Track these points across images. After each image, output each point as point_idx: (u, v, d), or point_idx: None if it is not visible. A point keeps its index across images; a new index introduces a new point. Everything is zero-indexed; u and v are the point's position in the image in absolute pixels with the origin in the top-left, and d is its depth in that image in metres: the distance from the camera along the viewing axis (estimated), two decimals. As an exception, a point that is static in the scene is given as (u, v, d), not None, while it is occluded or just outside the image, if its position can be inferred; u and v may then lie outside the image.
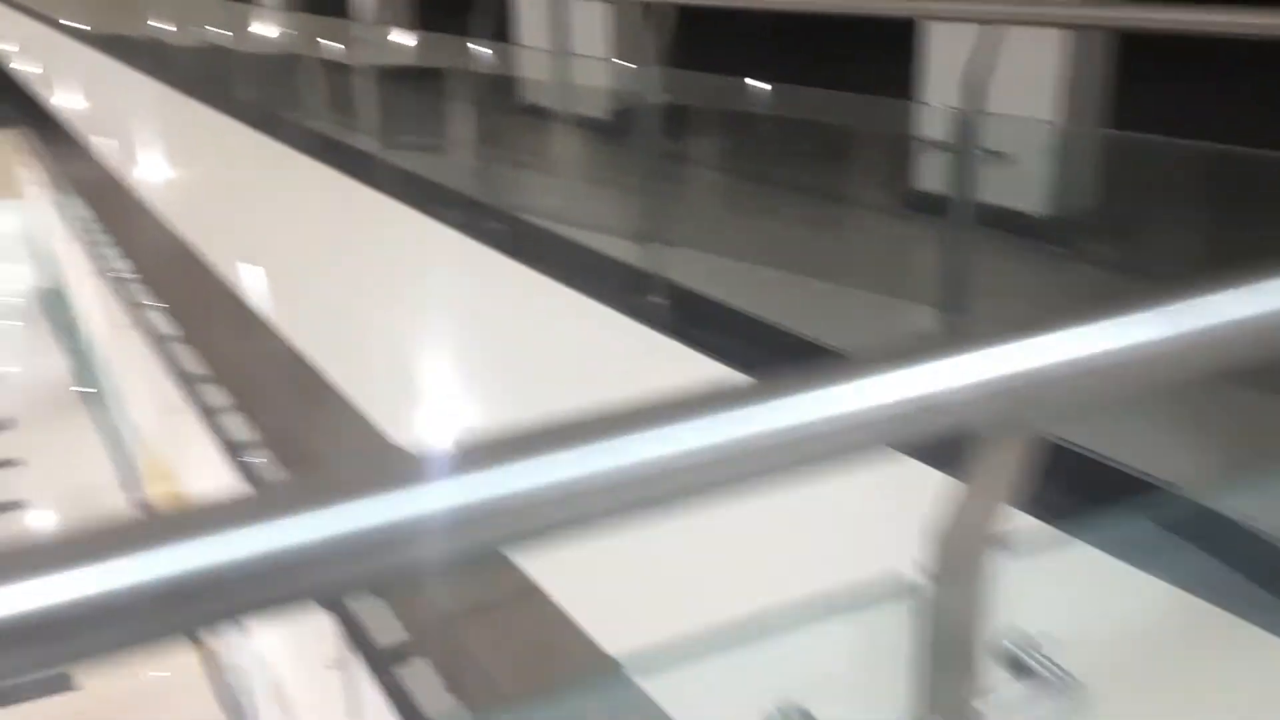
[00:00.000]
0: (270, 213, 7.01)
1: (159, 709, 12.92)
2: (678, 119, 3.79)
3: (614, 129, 4.77)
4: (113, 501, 17.81)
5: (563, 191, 4.47)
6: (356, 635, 6.77)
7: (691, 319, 3.40)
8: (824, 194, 4.14)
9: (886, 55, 4.21)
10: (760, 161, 4.31)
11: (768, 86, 3.83)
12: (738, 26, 3.95)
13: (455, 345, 4.70)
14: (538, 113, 5.42)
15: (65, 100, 16.16)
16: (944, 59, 3.60)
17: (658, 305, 3.49)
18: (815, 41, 4.13)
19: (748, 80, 3.79)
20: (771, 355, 3.10)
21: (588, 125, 5.06)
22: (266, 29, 7.83)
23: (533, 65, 5.57)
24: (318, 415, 8.64)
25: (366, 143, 5.78)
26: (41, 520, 17.56)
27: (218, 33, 9.04)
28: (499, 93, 5.09)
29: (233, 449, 10.27)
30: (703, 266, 3.74)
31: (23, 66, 20.65)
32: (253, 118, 6.81)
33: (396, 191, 4.83)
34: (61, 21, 15.41)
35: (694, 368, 2.93)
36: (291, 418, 9.15)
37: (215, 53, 8.85)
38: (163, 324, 13.07)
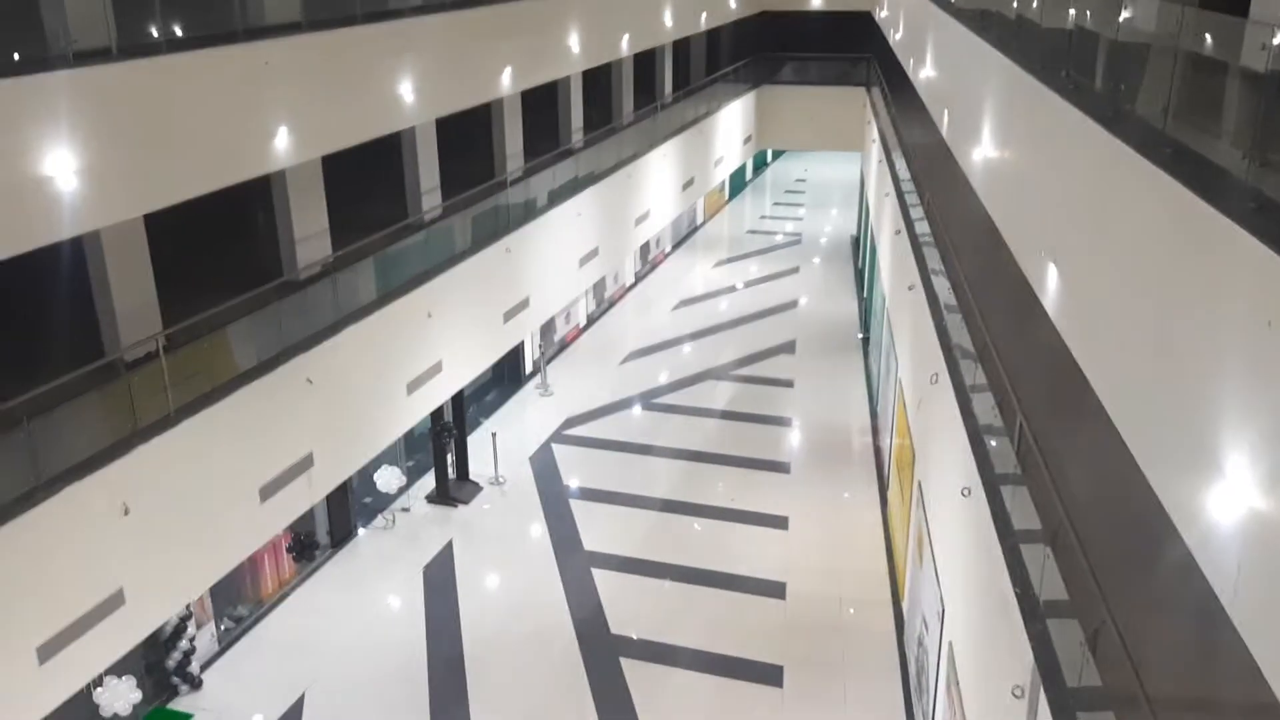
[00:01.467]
0: (1083, 216, 6.74)
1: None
2: None
3: None
4: (856, 442, 19.52)
5: None
6: (1047, 668, 6.48)
7: None
8: None
9: None
10: None
11: None
12: None
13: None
14: None
15: (918, 69, 17.48)
16: None
17: None
18: None
19: None
20: None
21: None
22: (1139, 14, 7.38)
23: None
24: (1070, 424, 8.30)
25: (1226, 160, 5.14)
26: (795, 438, 19.93)
27: (1070, 15, 8.81)
28: None
29: (973, 429, 10.44)
30: None
31: (892, 31, 22.78)
32: (1098, 112, 6.52)
33: (1253, 226, 4.20)
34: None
35: None
36: (1047, 418, 8.93)
37: (1074, 35, 8.66)
38: (945, 292, 13.68)
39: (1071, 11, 9.28)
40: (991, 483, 8.67)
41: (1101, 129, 6.22)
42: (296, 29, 11.70)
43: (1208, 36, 5.95)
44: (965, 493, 9.27)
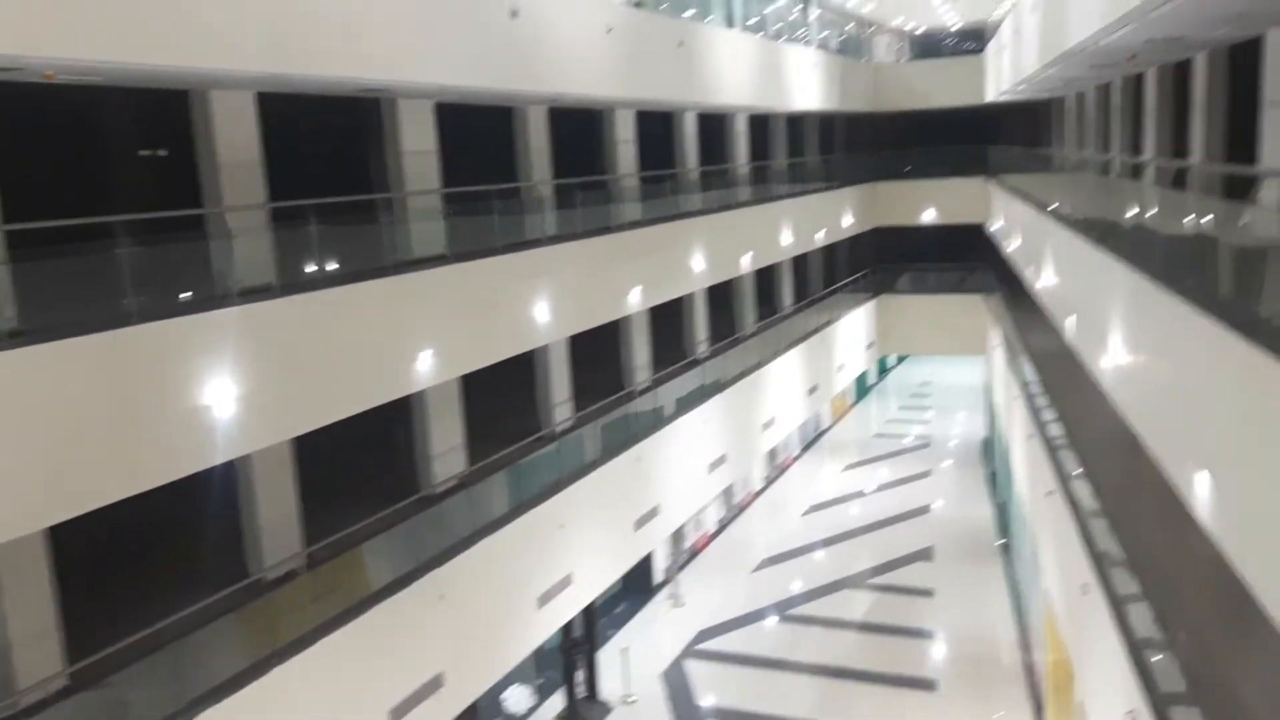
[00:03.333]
0: (1232, 424, 6.53)
1: None
2: None
3: None
4: (1005, 657, 18.41)
5: None
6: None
7: None
8: None
9: None
10: None
11: None
12: None
13: None
14: None
15: (1036, 276, 17.53)
16: None
17: None
18: None
19: None
20: None
21: None
22: (1262, 221, 7.38)
23: None
24: (1238, 641, 7.71)
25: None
26: (939, 652, 18.92)
27: (1204, 222, 8.83)
28: None
29: (1134, 644, 9.78)
30: None
31: (1008, 244, 23.06)
32: (1233, 320, 6.42)
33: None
34: (1047, 204, 16.80)
35: None
36: (1207, 631, 8.33)
37: (1200, 242, 8.66)
38: (1087, 498, 13.16)
39: (1191, 217, 9.33)
40: (1159, 705, 8.04)
41: (1236, 336, 6.13)
42: (442, 260, 12.61)
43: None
44: (1129, 717, 8.60)
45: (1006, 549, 22.82)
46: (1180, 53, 13.45)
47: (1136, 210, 11.14)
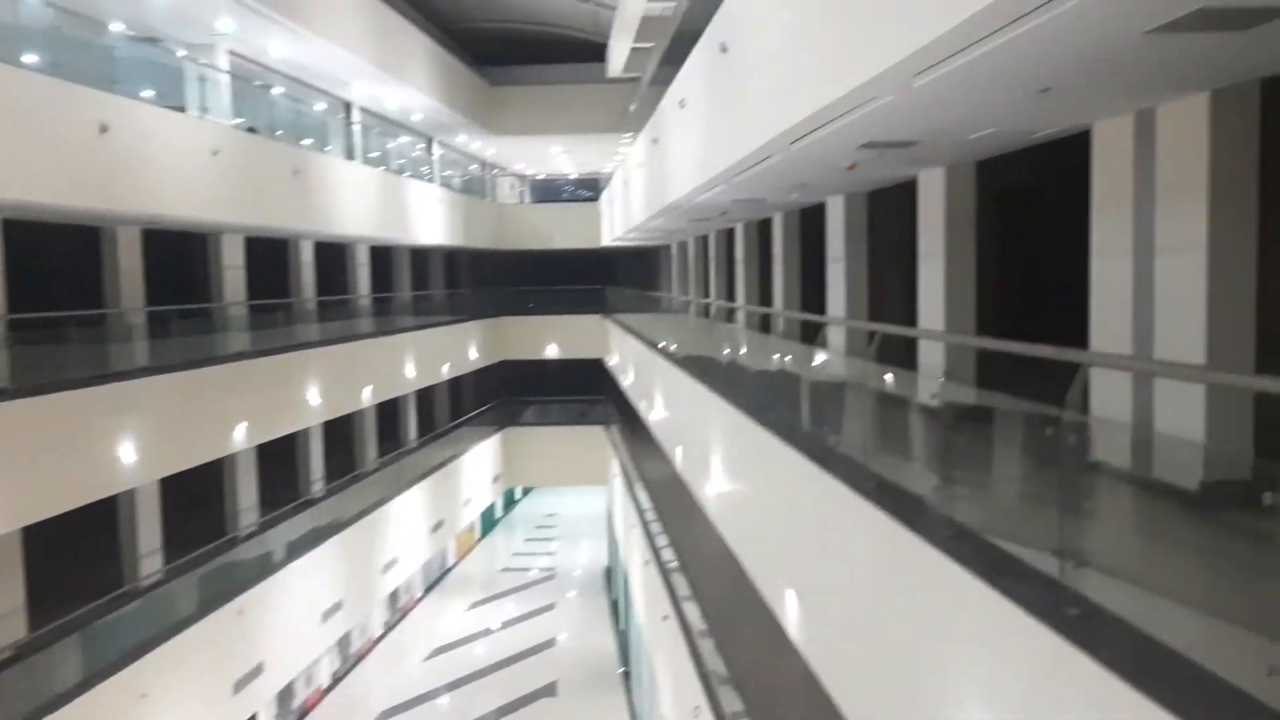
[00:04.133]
0: (812, 543, 7.12)
1: None
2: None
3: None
4: (625, 785, 18.48)
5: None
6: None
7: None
8: None
9: None
10: None
11: None
12: None
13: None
14: (1110, 473, 4.90)
15: (650, 409, 18.61)
16: None
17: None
18: None
19: None
20: None
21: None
22: (830, 361, 8.33)
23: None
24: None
25: (919, 487, 5.64)
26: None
27: (786, 360, 9.81)
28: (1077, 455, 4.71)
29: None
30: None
31: (625, 379, 24.37)
32: (807, 448, 7.08)
33: (947, 548, 4.56)
34: (656, 342, 18.05)
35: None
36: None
37: (783, 379, 9.57)
38: (697, 620, 13.79)
39: (775, 356, 10.34)
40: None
41: (814, 465, 6.73)
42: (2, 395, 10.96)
43: (888, 379, 6.72)
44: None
45: (628, 676, 23.27)
46: (763, 212, 15.18)
47: (729, 349, 12.19)
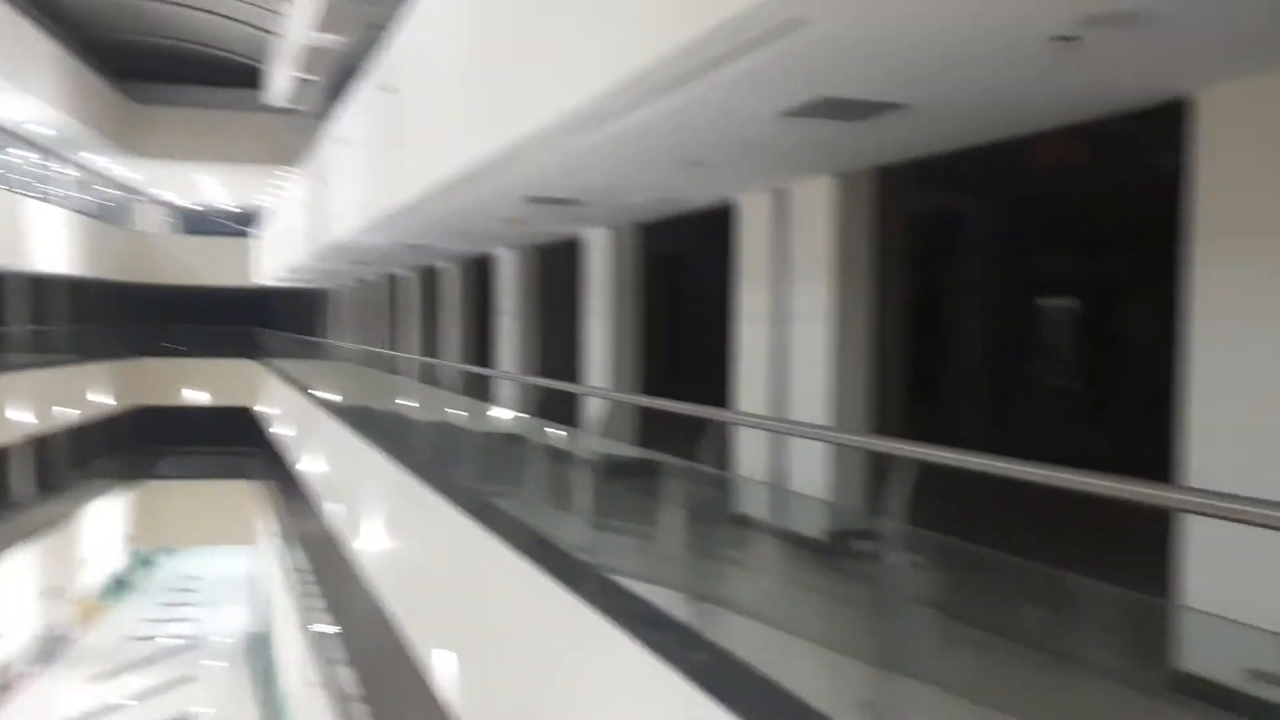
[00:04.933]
0: (466, 601, 6.95)
1: None
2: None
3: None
4: None
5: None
6: None
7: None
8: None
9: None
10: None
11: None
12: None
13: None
14: (746, 523, 5.18)
15: (306, 463, 17.57)
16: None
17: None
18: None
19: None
20: None
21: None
22: (501, 417, 8.26)
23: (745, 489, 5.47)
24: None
25: (571, 543, 5.65)
26: None
27: (454, 414, 9.61)
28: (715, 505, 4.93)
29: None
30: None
31: (279, 429, 22.92)
32: (467, 505, 6.92)
33: (598, 602, 4.57)
34: (313, 390, 17.12)
35: None
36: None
37: (446, 433, 9.36)
38: (350, 686, 13.06)
39: (440, 410, 10.10)
40: None
41: (475, 523, 6.57)
42: None
43: (551, 434, 6.74)
44: None
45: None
46: (432, 259, 14.91)
47: (391, 401, 11.78)
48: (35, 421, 22.41)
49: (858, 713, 3.22)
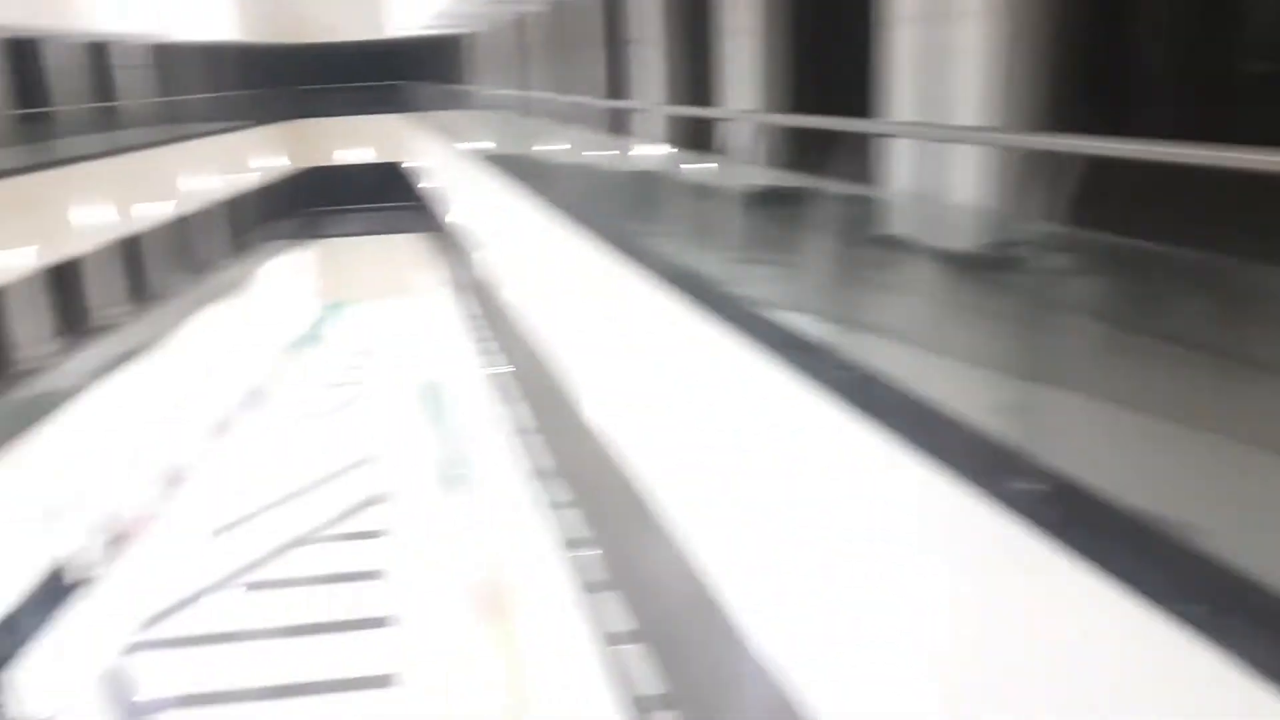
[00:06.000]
0: (612, 335, 7.17)
1: None
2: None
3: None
4: (454, 583, 19.08)
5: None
6: None
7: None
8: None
9: None
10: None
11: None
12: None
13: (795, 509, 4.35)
14: (896, 244, 5.05)
15: (460, 213, 18.03)
16: None
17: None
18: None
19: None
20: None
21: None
22: (645, 154, 8.15)
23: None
24: (635, 535, 8.65)
25: (720, 273, 5.66)
26: (393, 590, 19.16)
27: (599, 154, 9.54)
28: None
29: (568, 543, 10.58)
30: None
31: (431, 182, 23.48)
32: (615, 239, 6.99)
33: (749, 330, 4.62)
34: (461, 139, 17.22)
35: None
36: (614, 528, 9.24)
37: (594, 174, 9.35)
38: (524, 422, 13.93)
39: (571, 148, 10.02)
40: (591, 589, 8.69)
41: (622, 257, 6.66)
42: None
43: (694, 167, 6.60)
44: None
45: (456, 482, 23.63)
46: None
47: (536, 145, 11.76)
48: (218, 187, 23.62)
49: (1006, 419, 3.19)
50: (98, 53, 20.38)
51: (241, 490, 24.17)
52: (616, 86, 13.35)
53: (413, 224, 30.47)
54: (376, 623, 17.66)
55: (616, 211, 8.10)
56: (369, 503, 22.87)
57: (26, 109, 17.03)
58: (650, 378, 6.34)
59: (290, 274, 29.50)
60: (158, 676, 16.28)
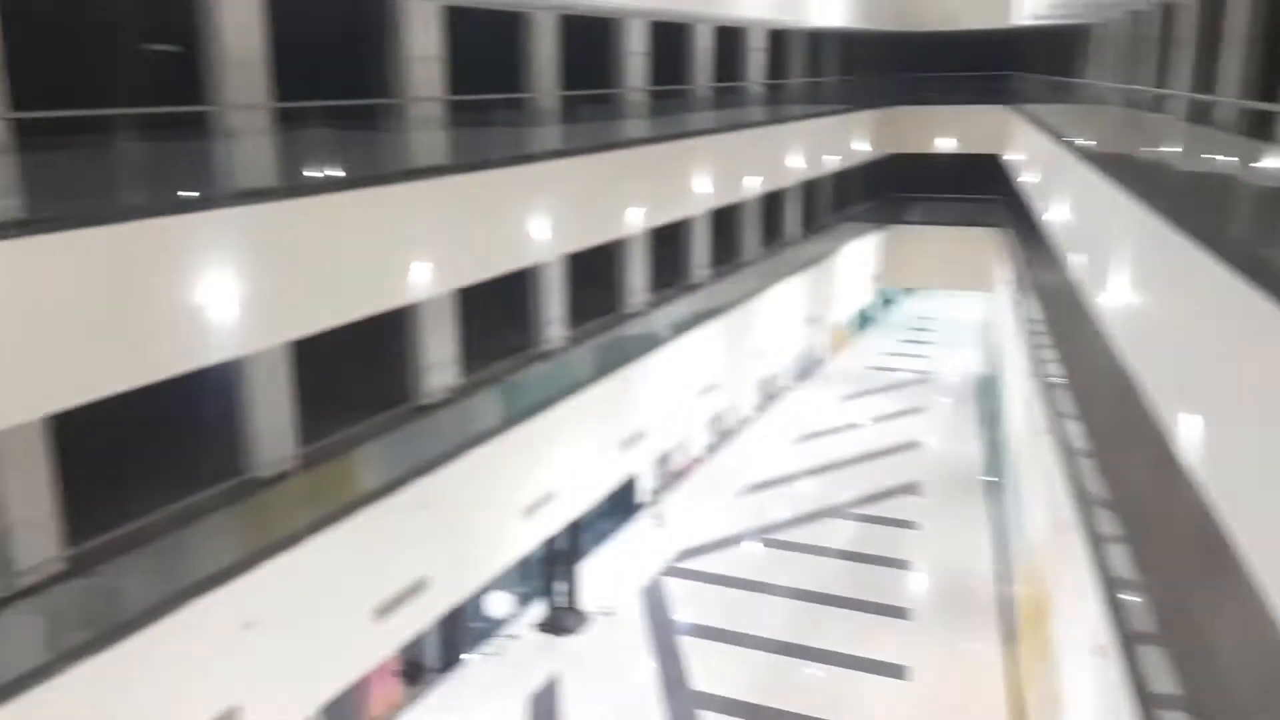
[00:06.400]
0: (1223, 367, 6.46)
1: None
2: None
3: None
4: (981, 590, 18.62)
5: None
6: None
7: None
8: None
9: None
10: None
11: None
12: None
13: None
14: None
15: (1050, 211, 17.25)
16: None
17: None
18: None
19: None
20: None
21: None
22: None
23: None
24: (1209, 585, 7.74)
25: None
26: (916, 582, 19.18)
27: (1226, 160, 8.60)
28: None
29: (1108, 582, 9.84)
30: None
31: (1026, 178, 22.70)
32: (1239, 262, 6.26)
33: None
34: (1067, 139, 16.40)
35: None
36: (1179, 576, 8.37)
37: (1216, 182, 8.45)
38: (1078, 438, 13.14)
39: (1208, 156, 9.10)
40: (1128, 642, 8.12)
41: (1240, 278, 6.00)
42: (444, 171, 12.38)
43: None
44: (1100, 652, 8.71)
45: (993, 486, 22.95)
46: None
47: (1154, 146, 10.87)
48: (805, 168, 25.20)
49: None
50: (733, 37, 22.75)
51: (782, 450, 25.78)
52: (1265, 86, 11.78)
53: (997, 219, 29.72)
54: (895, 611, 17.93)
55: (1244, 227, 7.27)
56: (903, 490, 23.14)
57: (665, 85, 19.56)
58: (1259, 421, 5.67)
59: (863, 255, 30.46)
60: (684, 603, 18.15)
